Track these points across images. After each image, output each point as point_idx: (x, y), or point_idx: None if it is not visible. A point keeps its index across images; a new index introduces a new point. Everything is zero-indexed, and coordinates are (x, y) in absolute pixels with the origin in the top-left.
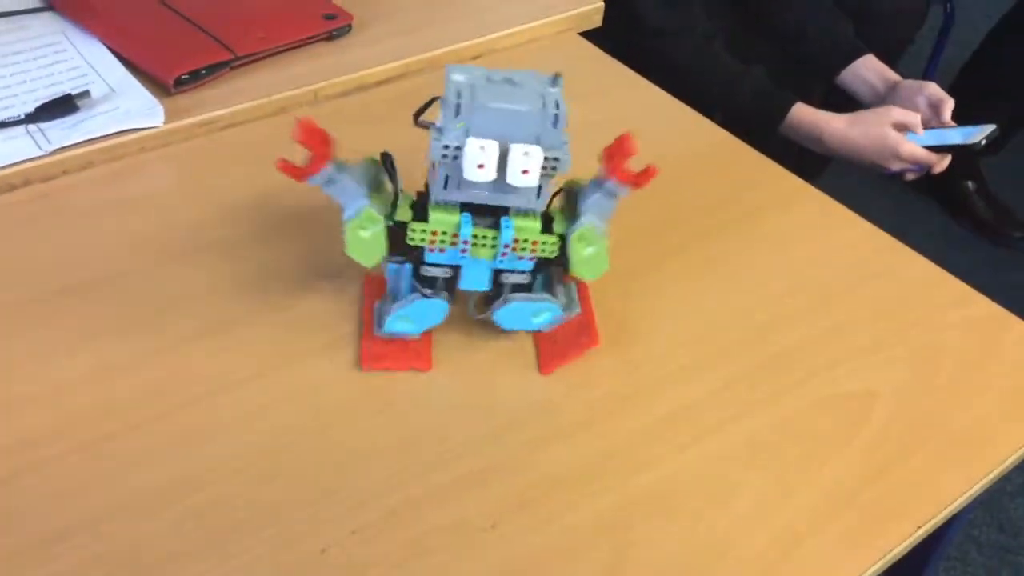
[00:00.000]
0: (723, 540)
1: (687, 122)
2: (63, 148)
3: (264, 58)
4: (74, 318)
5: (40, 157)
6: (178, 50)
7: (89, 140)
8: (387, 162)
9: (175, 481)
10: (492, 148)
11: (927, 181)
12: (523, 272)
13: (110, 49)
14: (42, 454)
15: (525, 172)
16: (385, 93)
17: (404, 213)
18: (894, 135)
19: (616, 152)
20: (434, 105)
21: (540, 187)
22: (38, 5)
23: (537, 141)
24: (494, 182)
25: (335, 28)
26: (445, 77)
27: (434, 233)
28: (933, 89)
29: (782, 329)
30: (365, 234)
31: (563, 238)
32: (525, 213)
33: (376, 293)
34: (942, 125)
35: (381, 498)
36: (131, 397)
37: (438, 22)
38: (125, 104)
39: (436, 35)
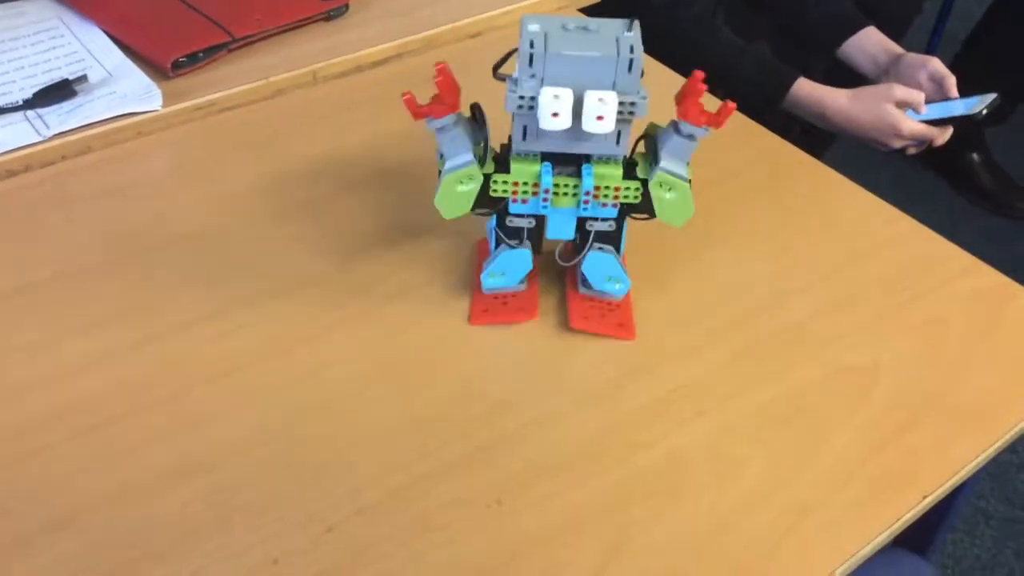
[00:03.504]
0: (729, 514)
1: None
2: (62, 133)
3: (262, 40)
4: (75, 303)
5: (39, 143)
6: (175, 33)
7: (88, 125)
8: (477, 113)
9: (180, 464)
10: (566, 96)
11: (931, 154)
12: (607, 219)
13: (107, 33)
14: (45, 439)
15: (600, 118)
16: (383, 73)
17: (488, 166)
18: (895, 112)
19: (687, 92)
20: (512, 59)
21: (619, 133)
22: None
23: (612, 87)
24: (572, 130)
25: (332, 9)
26: (520, 27)
27: (515, 184)
28: (936, 65)
29: (787, 303)
30: (463, 188)
31: (645, 183)
32: (606, 160)
33: (486, 253)
34: (945, 99)
35: (385, 477)
36: (132, 382)
37: (436, 1)
38: (123, 88)
39: (434, 14)
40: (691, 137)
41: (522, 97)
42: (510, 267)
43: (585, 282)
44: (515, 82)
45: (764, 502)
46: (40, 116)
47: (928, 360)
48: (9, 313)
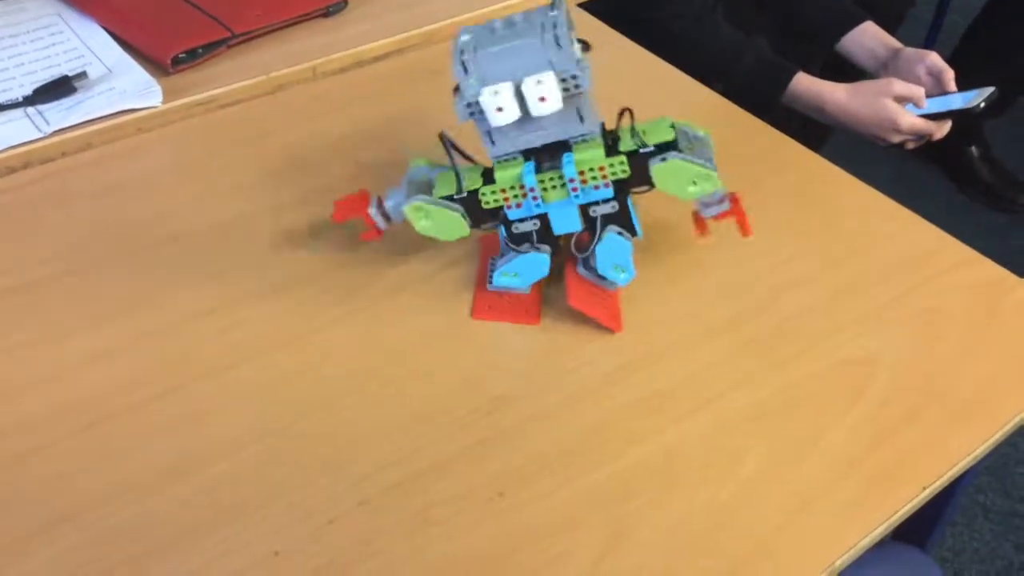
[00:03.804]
0: (728, 507)
1: (687, 92)
2: (62, 130)
3: (261, 35)
4: (75, 301)
5: (39, 139)
6: (175, 29)
7: (88, 121)
8: (444, 142)
9: (180, 460)
10: (504, 89)
11: (930, 148)
12: (608, 201)
13: (107, 30)
14: (45, 436)
15: (543, 99)
16: (383, 68)
17: (474, 182)
18: (894, 107)
19: (741, 212)
20: None
21: (578, 110)
22: None
23: (550, 67)
24: (529, 121)
25: (332, 4)
26: (453, 42)
27: (503, 191)
28: (934, 59)
29: (785, 296)
30: (424, 224)
31: (631, 156)
32: (586, 143)
33: (491, 248)
34: (943, 94)
35: (386, 471)
36: (132, 378)
37: None
38: (122, 84)
39: (433, 9)
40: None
41: (468, 104)
42: (525, 270)
43: (587, 265)
44: (460, 92)
45: (763, 495)
46: (40, 112)
47: (927, 353)
48: (9, 311)
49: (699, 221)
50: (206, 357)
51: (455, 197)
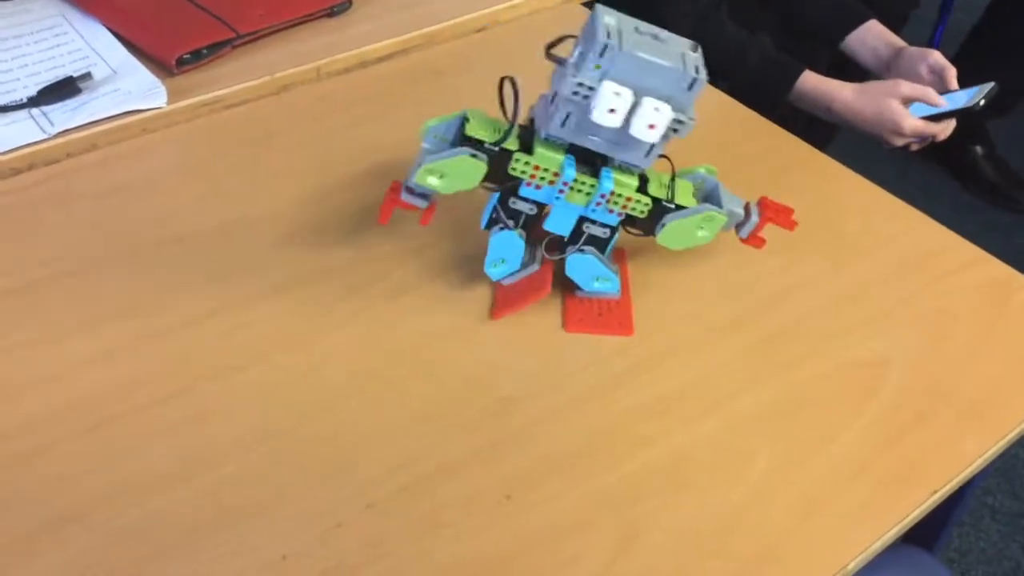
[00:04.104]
0: (738, 510)
1: None
2: (66, 131)
3: (266, 36)
4: (79, 301)
5: (44, 140)
6: (179, 30)
7: (92, 122)
8: (512, 87)
9: (185, 462)
10: (627, 96)
11: (935, 147)
12: (605, 227)
13: (111, 30)
14: (48, 437)
15: (652, 127)
16: (387, 69)
17: (513, 142)
18: (898, 109)
19: (775, 214)
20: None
21: (652, 147)
22: None
23: (669, 100)
24: (613, 130)
25: (336, 4)
26: (593, 15)
27: (536, 168)
28: (936, 57)
29: (792, 297)
30: (440, 183)
31: (656, 201)
32: (624, 169)
33: None
34: (946, 92)
35: (394, 473)
36: (136, 380)
37: None
38: (127, 85)
39: (437, 9)
40: (745, 219)
41: (581, 84)
42: (506, 251)
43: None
44: (576, 68)
45: (772, 497)
46: (45, 114)
47: (935, 353)
48: (12, 312)
49: (747, 241)
50: (209, 358)
51: (486, 144)
